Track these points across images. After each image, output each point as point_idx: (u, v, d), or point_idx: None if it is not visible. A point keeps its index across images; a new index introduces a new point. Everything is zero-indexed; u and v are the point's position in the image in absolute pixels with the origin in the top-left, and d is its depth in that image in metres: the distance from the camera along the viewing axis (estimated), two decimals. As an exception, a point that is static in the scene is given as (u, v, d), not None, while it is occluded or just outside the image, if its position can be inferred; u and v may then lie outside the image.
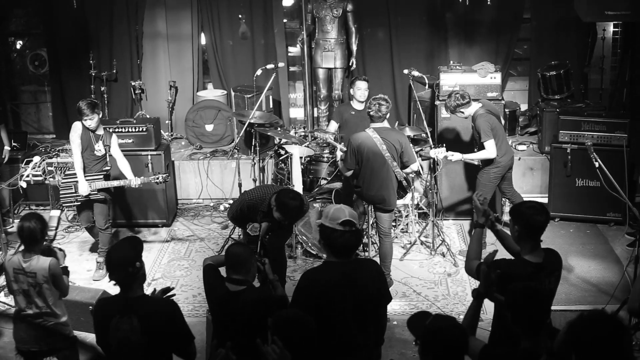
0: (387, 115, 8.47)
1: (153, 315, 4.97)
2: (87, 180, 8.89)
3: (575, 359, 3.85)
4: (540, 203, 5.51)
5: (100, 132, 8.99)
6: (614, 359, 3.80)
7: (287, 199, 7.23)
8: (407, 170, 8.58)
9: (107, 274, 5.12)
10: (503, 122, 9.67)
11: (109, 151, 9.05)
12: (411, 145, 8.63)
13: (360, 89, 10.17)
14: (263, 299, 5.65)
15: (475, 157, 9.22)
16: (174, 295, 5.43)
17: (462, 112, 9.18)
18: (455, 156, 9.08)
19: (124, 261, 5.02)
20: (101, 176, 8.98)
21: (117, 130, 10.06)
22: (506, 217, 9.44)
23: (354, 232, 5.36)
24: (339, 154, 9.29)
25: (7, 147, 10.74)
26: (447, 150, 9.03)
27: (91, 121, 8.82)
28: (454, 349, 4.22)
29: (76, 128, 8.95)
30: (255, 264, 5.77)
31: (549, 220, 5.51)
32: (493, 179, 9.18)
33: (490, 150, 8.99)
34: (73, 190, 8.97)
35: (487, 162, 9.16)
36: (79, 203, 9.07)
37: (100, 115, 9.16)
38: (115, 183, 9.04)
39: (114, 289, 5.32)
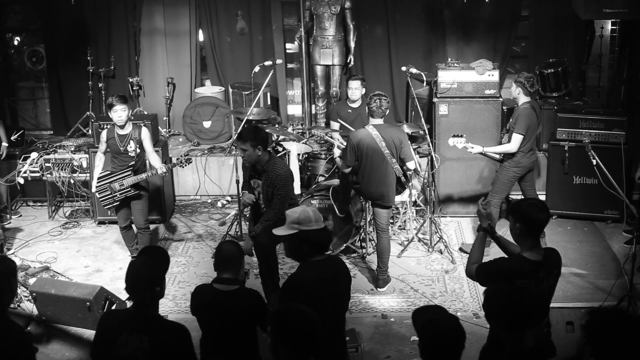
0: (387, 112, 8.47)
1: (164, 337, 4.79)
2: (117, 179, 8.74)
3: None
4: (540, 200, 5.52)
5: (127, 131, 8.80)
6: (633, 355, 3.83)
7: None
8: (404, 168, 8.59)
9: (125, 288, 4.91)
10: (539, 129, 9.61)
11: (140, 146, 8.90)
12: (409, 143, 8.63)
13: (351, 88, 10.16)
14: (257, 297, 5.66)
15: (496, 150, 9.17)
16: None
17: (512, 87, 9.11)
18: (476, 148, 9.08)
19: (150, 282, 4.83)
20: (129, 172, 8.78)
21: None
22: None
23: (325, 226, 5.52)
24: (336, 151, 9.29)
25: (4, 144, 10.72)
26: (466, 142, 9.06)
27: (118, 113, 8.64)
28: (451, 347, 4.22)
29: (101, 136, 8.95)
30: (244, 263, 5.78)
31: (550, 218, 5.51)
32: (512, 177, 9.14)
33: (514, 143, 8.92)
34: (108, 192, 8.81)
35: (508, 157, 9.11)
36: (118, 203, 8.87)
37: (130, 112, 9.00)
38: (144, 176, 8.84)
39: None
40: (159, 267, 5.00)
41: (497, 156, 9.26)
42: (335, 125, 10.38)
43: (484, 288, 4.95)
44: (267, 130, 10.24)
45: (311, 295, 5.13)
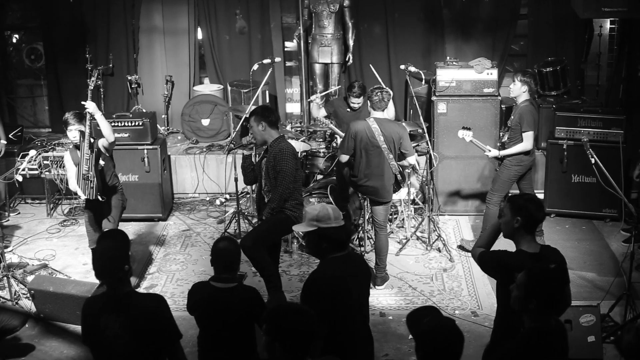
0: (388, 104, 8.52)
1: (142, 310, 4.86)
2: (82, 169, 8.15)
3: None
4: (537, 197, 5.52)
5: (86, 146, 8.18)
6: None
7: None
8: (404, 163, 8.59)
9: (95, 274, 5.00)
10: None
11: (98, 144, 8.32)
12: (409, 139, 8.64)
13: (354, 102, 9.97)
14: (256, 295, 5.66)
15: (512, 152, 9.09)
16: None
17: (519, 89, 9.04)
18: (493, 152, 9.11)
19: (117, 263, 4.87)
20: (88, 156, 8.17)
21: (113, 124, 10.03)
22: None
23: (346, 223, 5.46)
24: (340, 140, 9.27)
25: (3, 141, 10.70)
26: (472, 137, 9.13)
27: (73, 133, 8.22)
28: (449, 352, 4.21)
29: (66, 159, 8.47)
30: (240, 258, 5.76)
31: (546, 216, 5.53)
32: (513, 176, 9.13)
33: (528, 141, 8.92)
34: (85, 182, 8.19)
35: (507, 156, 9.13)
36: (94, 182, 8.19)
37: (87, 128, 8.20)
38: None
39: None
40: (123, 248, 5.01)
41: (489, 149, 9.23)
42: (321, 112, 10.25)
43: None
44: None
45: (333, 291, 5.16)
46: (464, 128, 9.24)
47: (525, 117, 8.90)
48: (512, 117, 9.15)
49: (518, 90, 9.03)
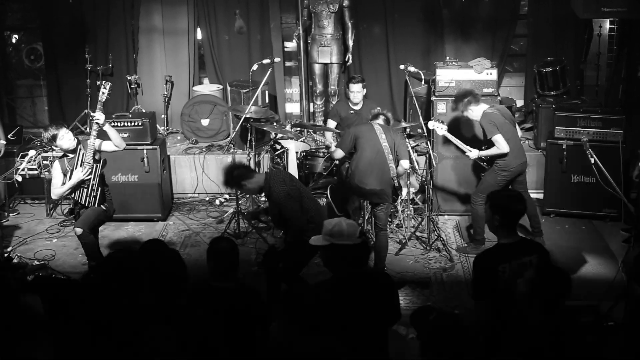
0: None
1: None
2: (82, 165, 8.29)
3: None
4: (517, 191, 5.60)
5: (74, 154, 8.34)
6: None
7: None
8: (399, 169, 8.62)
9: None
10: (518, 128, 9.63)
11: (100, 147, 8.39)
12: (406, 142, 8.68)
13: (353, 91, 10.14)
14: (256, 295, 5.65)
15: (488, 153, 9.15)
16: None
17: (472, 111, 9.15)
18: (473, 153, 9.15)
19: None
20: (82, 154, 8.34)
21: (113, 124, 10.04)
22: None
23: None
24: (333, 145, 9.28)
25: (2, 141, 10.70)
26: (447, 131, 9.23)
27: (65, 140, 8.28)
28: (455, 350, 4.20)
29: (55, 167, 8.46)
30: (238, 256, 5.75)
31: (526, 209, 5.62)
32: (500, 181, 9.11)
33: (500, 144, 8.94)
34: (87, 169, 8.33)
35: (498, 159, 9.14)
36: (92, 165, 8.33)
37: (93, 139, 8.28)
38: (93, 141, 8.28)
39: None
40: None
41: (469, 149, 9.25)
42: (332, 123, 10.40)
43: None
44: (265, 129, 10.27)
45: (325, 312, 5.06)
46: (437, 120, 9.28)
47: (485, 126, 9.02)
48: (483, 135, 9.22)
49: (476, 112, 9.12)
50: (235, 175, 7.68)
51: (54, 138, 8.29)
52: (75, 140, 8.44)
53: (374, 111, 9.13)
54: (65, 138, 8.32)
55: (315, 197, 9.43)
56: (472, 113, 9.16)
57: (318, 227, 7.39)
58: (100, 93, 8.34)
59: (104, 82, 8.51)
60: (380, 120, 8.84)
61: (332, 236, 5.23)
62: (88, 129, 11.32)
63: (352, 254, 5.20)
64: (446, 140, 9.68)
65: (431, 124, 9.30)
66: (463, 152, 9.36)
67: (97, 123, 8.18)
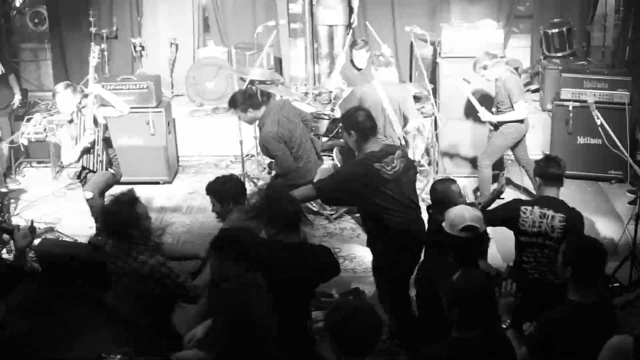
0: (392, 61, 8.59)
1: None
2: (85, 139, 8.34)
3: None
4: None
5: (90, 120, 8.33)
6: None
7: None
8: (408, 128, 8.59)
9: None
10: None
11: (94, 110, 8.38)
12: (413, 100, 8.64)
13: (357, 57, 10.12)
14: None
15: (506, 118, 9.08)
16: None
17: (490, 72, 9.04)
18: (487, 116, 9.09)
19: None
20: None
21: (117, 88, 10.04)
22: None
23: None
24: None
25: (18, 96, 10.74)
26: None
27: (61, 102, 8.31)
28: (480, 307, 4.20)
29: (63, 133, 8.48)
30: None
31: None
32: (510, 143, 9.14)
33: (522, 111, 8.91)
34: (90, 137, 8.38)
35: (503, 123, 9.10)
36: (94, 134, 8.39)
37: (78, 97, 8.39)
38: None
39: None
40: None
41: (484, 110, 9.19)
42: (336, 76, 10.39)
43: None
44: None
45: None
46: (465, 80, 9.25)
47: (512, 88, 8.91)
48: (497, 93, 9.11)
49: (493, 72, 9.00)
50: (239, 97, 8.00)
51: (54, 94, 8.41)
52: (74, 109, 8.38)
53: (381, 59, 8.91)
54: (64, 100, 8.31)
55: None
56: (493, 74, 9.05)
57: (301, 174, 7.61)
58: (91, 57, 8.34)
59: (92, 44, 8.50)
60: (390, 69, 8.73)
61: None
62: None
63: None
64: (455, 103, 9.62)
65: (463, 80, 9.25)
66: (475, 112, 9.27)
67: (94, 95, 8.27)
